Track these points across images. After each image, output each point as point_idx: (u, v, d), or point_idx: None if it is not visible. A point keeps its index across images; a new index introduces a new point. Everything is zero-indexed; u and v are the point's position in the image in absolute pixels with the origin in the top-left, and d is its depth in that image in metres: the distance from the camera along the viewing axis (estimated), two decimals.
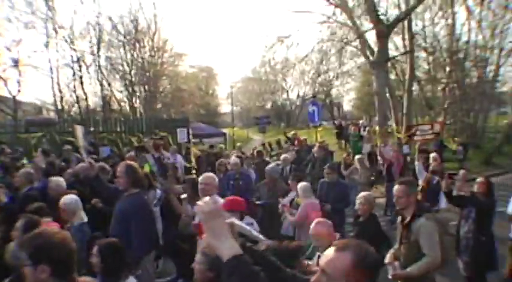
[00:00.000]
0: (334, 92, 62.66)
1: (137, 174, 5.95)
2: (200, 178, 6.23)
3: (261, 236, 2.85)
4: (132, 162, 6.36)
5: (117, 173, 6.04)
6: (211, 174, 6.44)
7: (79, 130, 9.69)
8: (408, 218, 4.95)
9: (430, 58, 31.45)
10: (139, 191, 5.93)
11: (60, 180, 7.36)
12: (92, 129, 18.76)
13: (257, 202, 9.76)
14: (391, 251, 5.25)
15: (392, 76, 29.69)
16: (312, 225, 5.22)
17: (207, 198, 2.19)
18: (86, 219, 5.96)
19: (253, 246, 2.65)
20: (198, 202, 2.13)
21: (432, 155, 11.25)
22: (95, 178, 6.94)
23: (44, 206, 5.99)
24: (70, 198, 5.98)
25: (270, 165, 10.70)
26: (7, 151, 12.42)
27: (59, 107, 37.49)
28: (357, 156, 13.59)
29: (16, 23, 34.54)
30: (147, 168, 9.13)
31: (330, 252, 2.06)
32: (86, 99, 39.02)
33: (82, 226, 5.78)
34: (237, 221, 2.56)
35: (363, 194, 6.56)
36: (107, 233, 5.63)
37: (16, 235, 4.60)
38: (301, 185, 7.88)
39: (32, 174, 7.95)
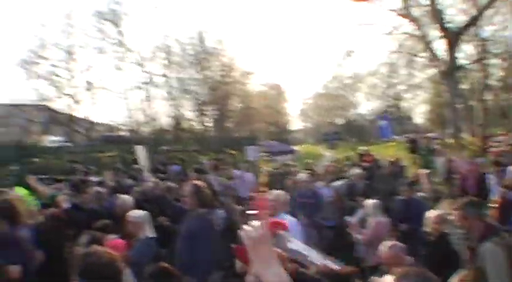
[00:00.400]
0: (405, 105, 61.22)
1: (204, 194, 5.92)
2: (268, 196, 6.14)
3: (317, 259, 2.71)
4: (199, 182, 6.32)
5: (184, 192, 6.05)
6: (279, 191, 6.36)
7: (140, 151, 9.81)
8: (473, 242, 4.64)
9: (504, 64, 30.08)
10: (206, 211, 5.90)
11: (127, 198, 7.44)
12: (163, 148, 19.13)
13: (326, 223, 9.49)
14: (457, 275, 4.94)
15: (465, 85, 28.65)
16: (381, 247, 5.02)
17: (255, 222, 2.08)
18: (153, 234, 5.94)
19: (304, 272, 2.53)
20: (244, 226, 2.04)
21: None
22: (161, 197, 7.01)
23: (110, 223, 6.08)
24: (138, 212, 6.02)
25: (336, 183, 10.44)
26: (80, 170, 12.74)
27: (131, 127, 38.79)
28: (422, 171, 12.96)
29: (89, 48, 37.14)
30: None
31: (389, 281, 1.93)
32: (157, 119, 40.27)
33: (148, 240, 5.76)
34: (291, 245, 2.45)
35: (433, 211, 6.27)
36: (172, 251, 5.70)
37: (79, 251, 4.59)
38: (371, 202, 7.60)
39: (100, 193, 8.08)
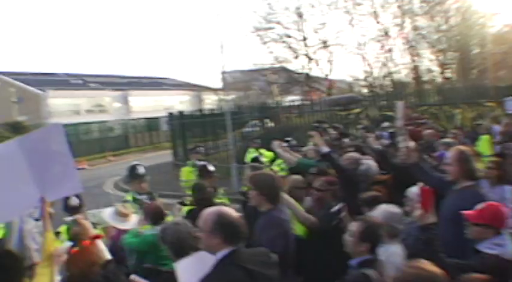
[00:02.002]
0: None
1: (471, 164, 5.01)
2: None
3: None
4: (465, 148, 5.37)
5: (447, 159, 5.26)
6: None
7: (400, 107, 8.51)
8: None
9: None
10: (475, 184, 5.00)
11: (371, 164, 6.90)
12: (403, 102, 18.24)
13: None
14: None
15: None
16: None
17: None
18: None
19: None
20: None
21: None
22: (415, 164, 5.99)
23: (378, 196, 5.45)
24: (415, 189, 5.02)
25: None
26: (329, 131, 11.94)
27: (369, 82, 38.27)
28: None
29: (319, 6, 37.31)
30: None
31: None
32: (396, 72, 38.93)
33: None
34: None
35: None
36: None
37: (352, 241, 4.04)
38: None
39: (356, 158, 7.20)
